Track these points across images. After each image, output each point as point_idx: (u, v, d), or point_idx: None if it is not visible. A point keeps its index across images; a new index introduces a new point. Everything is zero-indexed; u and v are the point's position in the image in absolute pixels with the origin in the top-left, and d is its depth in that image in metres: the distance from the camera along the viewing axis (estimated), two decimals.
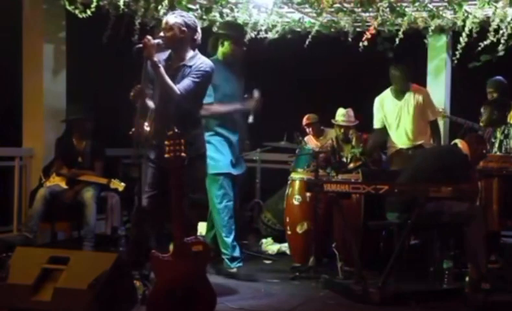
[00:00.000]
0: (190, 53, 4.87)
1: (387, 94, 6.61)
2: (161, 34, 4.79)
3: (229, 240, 5.68)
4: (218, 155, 5.63)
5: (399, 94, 6.52)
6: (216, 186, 5.64)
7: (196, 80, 4.79)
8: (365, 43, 6.67)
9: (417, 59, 7.89)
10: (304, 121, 7.49)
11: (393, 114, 6.54)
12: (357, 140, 6.61)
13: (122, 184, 6.26)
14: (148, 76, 4.83)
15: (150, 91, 4.80)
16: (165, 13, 6.53)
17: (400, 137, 6.55)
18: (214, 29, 6.57)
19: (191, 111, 4.89)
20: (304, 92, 9.16)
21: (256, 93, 5.73)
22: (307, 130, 7.44)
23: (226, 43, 5.69)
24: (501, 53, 6.74)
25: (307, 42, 7.16)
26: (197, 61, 4.86)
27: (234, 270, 5.68)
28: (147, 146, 4.90)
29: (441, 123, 7.28)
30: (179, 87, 4.74)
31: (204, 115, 5.43)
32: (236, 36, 5.77)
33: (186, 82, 4.78)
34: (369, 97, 6.83)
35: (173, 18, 4.85)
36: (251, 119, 5.72)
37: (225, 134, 5.68)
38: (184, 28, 4.82)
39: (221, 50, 5.72)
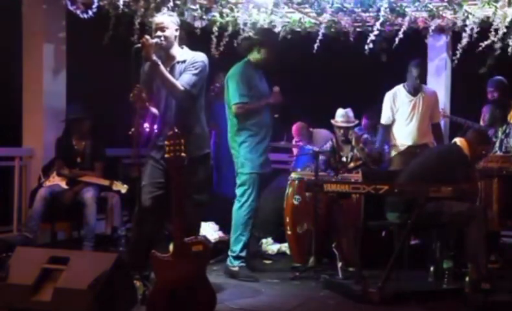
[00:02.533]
0: (179, 50, 4.95)
1: (400, 89, 6.58)
2: (158, 33, 4.81)
3: (244, 238, 5.74)
4: (252, 155, 5.75)
5: (413, 91, 6.53)
6: (246, 183, 5.76)
7: (195, 72, 4.85)
8: (371, 46, 6.65)
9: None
10: (295, 132, 7.48)
11: (407, 109, 6.51)
12: (356, 141, 6.60)
13: (125, 186, 6.24)
14: (145, 78, 4.86)
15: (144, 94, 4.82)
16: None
17: (409, 133, 6.53)
18: (251, 34, 6.75)
19: (194, 109, 4.91)
20: (304, 92, 9.16)
21: (276, 88, 5.85)
22: (298, 140, 7.43)
23: (263, 50, 5.83)
24: (497, 51, 6.73)
25: (315, 46, 7.13)
26: (189, 55, 4.93)
27: (236, 268, 5.70)
28: (151, 147, 4.92)
29: (441, 123, 7.28)
30: (181, 83, 4.78)
31: (240, 113, 5.72)
32: (273, 44, 5.95)
33: (186, 77, 4.83)
34: (369, 97, 6.83)
35: (167, 17, 4.93)
36: (276, 115, 5.86)
37: (260, 133, 5.79)
38: (177, 27, 4.91)
39: (256, 55, 5.85)
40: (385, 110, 6.60)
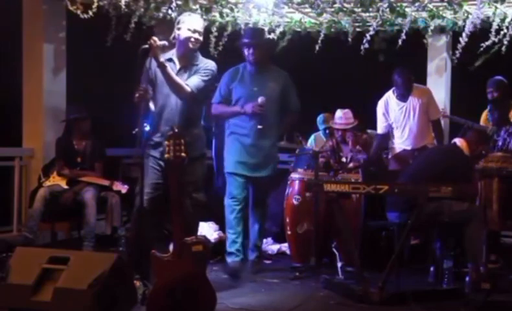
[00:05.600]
0: (194, 54, 5.03)
1: (390, 96, 6.58)
2: (196, 36, 4.90)
3: (231, 236, 5.86)
4: (227, 155, 5.96)
5: (402, 97, 6.52)
6: (227, 184, 5.96)
7: (205, 78, 4.98)
8: (366, 46, 6.65)
9: (417, 59, 7.88)
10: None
11: (399, 116, 6.53)
12: (353, 143, 6.58)
13: (126, 186, 6.26)
14: (148, 77, 4.88)
15: (150, 93, 4.86)
16: (166, 13, 6.57)
17: (405, 139, 6.56)
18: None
19: (194, 111, 4.96)
20: (304, 92, 9.15)
21: (260, 99, 5.78)
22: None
23: (251, 50, 5.82)
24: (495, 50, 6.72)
25: (317, 47, 7.13)
26: (202, 61, 5.05)
27: (228, 261, 5.84)
28: (148, 144, 4.93)
29: (441, 121, 7.27)
30: (189, 85, 4.87)
31: (212, 113, 5.98)
32: (258, 43, 5.87)
33: (195, 80, 4.93)
34: (370, 96, 6.83)
35: (202, 22, 5.08)
36: (259, 125, 5.80)
37: (237, 134, 5.89)
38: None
39: (247, 56, 5.87)
40: (379, 119, 6.65)
